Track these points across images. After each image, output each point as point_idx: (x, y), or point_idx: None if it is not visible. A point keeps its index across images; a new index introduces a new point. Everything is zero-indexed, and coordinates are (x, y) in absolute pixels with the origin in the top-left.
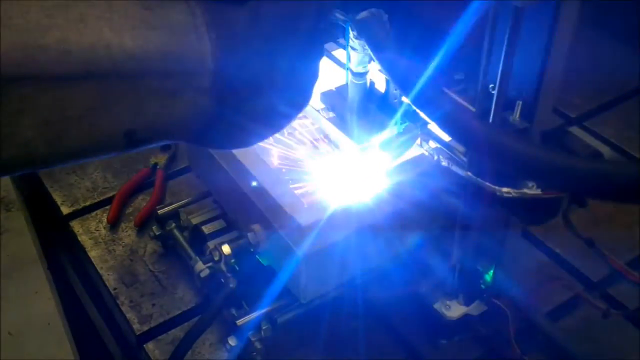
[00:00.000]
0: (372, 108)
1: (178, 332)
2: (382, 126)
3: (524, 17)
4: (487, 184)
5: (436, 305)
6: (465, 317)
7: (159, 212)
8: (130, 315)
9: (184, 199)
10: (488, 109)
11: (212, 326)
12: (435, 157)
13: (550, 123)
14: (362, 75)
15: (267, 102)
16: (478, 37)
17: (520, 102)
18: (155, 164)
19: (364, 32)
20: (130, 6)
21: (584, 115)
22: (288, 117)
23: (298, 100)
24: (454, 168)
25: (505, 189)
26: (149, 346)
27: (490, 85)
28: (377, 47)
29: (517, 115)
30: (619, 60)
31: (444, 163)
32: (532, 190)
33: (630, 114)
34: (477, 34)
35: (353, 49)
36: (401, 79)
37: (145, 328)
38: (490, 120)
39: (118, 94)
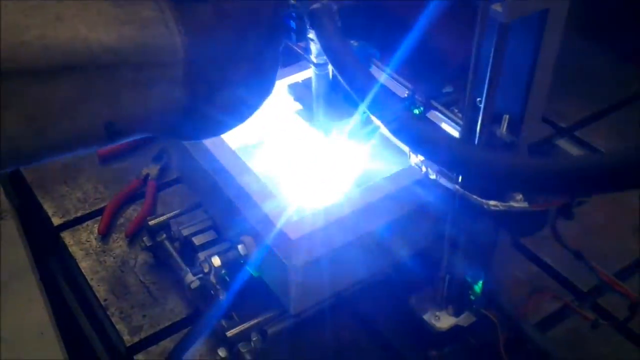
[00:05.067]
0: (337, 98)
1: (168, 344)
2: (347, 116)
3: (508, 31)
4: (475, 197)
5: (426, 317)
6: (455, 328)
7: (150, 223)
8: (120, 326)
9: (175, 209)
10: (475, 122)
11: (202, 337)
12: (424, 170)
13: (539, 135)
14: (323, 66)
15: (235, 91)
16: (465, 50)
17: (507, 116)
18: (147, 175)
19: (314, 23)
20: (102, 5)
21: (574, 125)
22: (253, 107)
23: (262, 88)
24: (442, 181)
25: (492, 202)
26: (139, 357)
27: (478, 99)
28: (323, 38)
29: (504, 129)
30: (610, 69)
31: (432, 176)
32: (519, 203)
33: (621, 124)
34: (465, 47)
35: (311, 40)
36: (343, 71)
37: (136, 339)
38: (478, 134)
39: (97, 87)
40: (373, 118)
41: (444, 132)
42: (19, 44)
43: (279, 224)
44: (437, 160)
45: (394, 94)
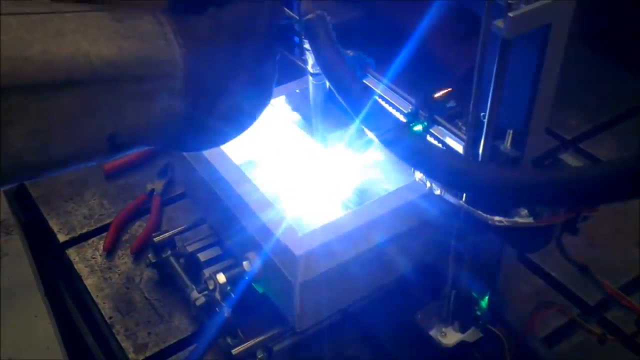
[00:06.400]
0: (334, 108)
1: None
2: (345, 125)
3: (511, 46)
4: (480, 212)
5: (432, 332)
6: (461, 344)
7: (155, 239)
8: (125, 344)
9: (180, 225)
10: (479, 137)
11: (208, 355)
12: (428, 185)
13: (543, 148)
14: (320, 75)
15: (234, 101)
16: (468, 65)
17: (511, 131)
18: (152, 190)
19: (307, 33)
20: (101, 19)
21: (579, 137)
22: (252, 117)
23: (260, 98)
24: (447, 196)
25: (497, 218)
26: None
27: (482, 114)
28: (317, 48)
29: (508, 144)
30: (615, 81)
31: (437, 191)
32: (524, 218)
33: (626, 135)
34: (467, 62)
35: (307, 50)
36: (336, 83)
37: (141, 357)
38: (481, 150)
39: (99, 100)
40: (366, 130)
41: (436, 145)
42: (22, 59)
43: (278, 233)
44: (430, 173)
45: (384, 108)
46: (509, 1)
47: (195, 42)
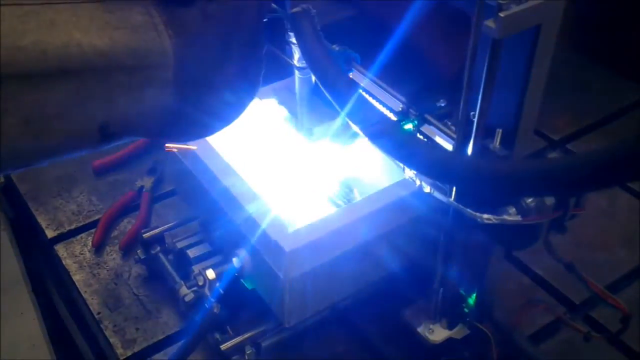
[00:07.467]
0: (319, 101)
1: (162, 357)
2: (330, 118)
3: (502, 47)
4: (469, 210)
5: (420, 329)
6: (449, 341)
7: (144, 235)
8: (113, 339)
9: (169, 222)
10: (469, 136)
11: (196, 351)
12: (418, 183)
13: (531, 148)
14: (306, 69)
15: (221, 93)
16: (459, 65)
17: (500, 130)
18: (141, 187)
19: (293, 26)
20: (93, 11)
21: (566, 138)
22: (238, 109)
23: (247, 91)
24: (436, 194)
25: (485, 216)
26: None
27: (472, 113)
28: (302, 40)
29: (498, 143)
30: (602, 82)
31: (427, 189)
32: (512, 216)
33: (613, 136)
34: (458, 61)
35: (293, 44)
36: (321, 76)
37: (129, 353)
38: (470, 148)
39: (91, 90)
40: (351, 124)
41: (421, 139)
42: (16, 49)
43: (267, 227)
44: (415, 166)
45: (369, 101)
46: (500, 1)
47: (184, 34)
